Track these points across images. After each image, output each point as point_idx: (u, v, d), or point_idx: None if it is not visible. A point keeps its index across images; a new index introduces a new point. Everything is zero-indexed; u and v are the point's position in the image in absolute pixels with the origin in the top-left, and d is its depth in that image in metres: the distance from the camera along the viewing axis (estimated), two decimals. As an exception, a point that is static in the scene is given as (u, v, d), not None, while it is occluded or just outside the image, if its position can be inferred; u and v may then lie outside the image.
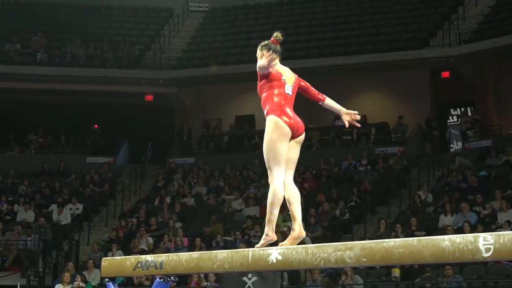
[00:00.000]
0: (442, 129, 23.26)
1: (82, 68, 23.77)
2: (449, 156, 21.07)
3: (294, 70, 5.85)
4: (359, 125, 6.03)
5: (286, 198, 5.65)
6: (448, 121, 24.17)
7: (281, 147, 5.54)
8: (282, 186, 5.57)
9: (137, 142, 24.07)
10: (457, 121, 23.57)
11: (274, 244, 5.59)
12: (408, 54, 22.00)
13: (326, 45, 23.62)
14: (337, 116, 25.55)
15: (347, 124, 5.98)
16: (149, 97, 24.56)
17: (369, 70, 22.82)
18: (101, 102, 24.48)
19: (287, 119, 5.59)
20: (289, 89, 5.72)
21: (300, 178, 20.11)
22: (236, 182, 20.70)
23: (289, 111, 5.63)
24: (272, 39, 5.78)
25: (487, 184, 17.77)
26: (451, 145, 23.25)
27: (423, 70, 23.03)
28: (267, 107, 5.63)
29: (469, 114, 23.30)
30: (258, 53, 5.80)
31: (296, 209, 5.65)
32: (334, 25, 24.81)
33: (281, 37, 5.78)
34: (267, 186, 20.58)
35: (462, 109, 24.03)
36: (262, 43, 5.82)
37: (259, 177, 20.68)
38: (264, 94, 5.70)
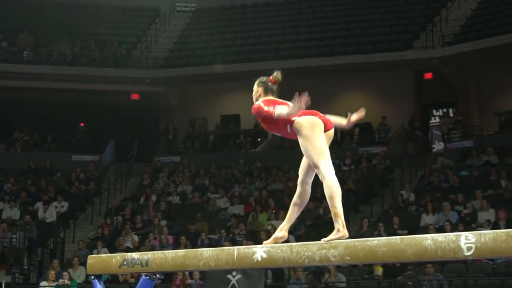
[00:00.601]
0: (425, 130, 23.36)
1: (69, 66, 23.69)
2: (431, 156, 21.16)
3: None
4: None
5: (297, 195, 5.49)
6: (431, 121, 24.28)
7: (319, 139, 5.24)
8: (335, 177, 5.18)
9: (123, 140, 23.99)
10: (439, 121, 23.68)
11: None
12: (392, 56, 22.08)
13: (311, 46, 23.65)
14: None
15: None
16: (135, 96, 24.51)
17: (353, 70, 22.89)
18: (88, 101, 24.39)
19: (315, 115, 5.33)
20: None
21: (284, 177, 20.15)
22: (221, 180, 20.69)
23: (310, 110, 5.34)
24: (271, 77, 5.64)
25: (468, 183, 17.85)
26: (433, 146, 23.37)
27: (406, 71, 23.12)
28: (288, 121, 5.32)
29: (451, 115, 23.43)
30: (255, 88, 5.67)
31: (296, 214, 5.55)
32: (320, 26, 24.85)
33: (280, 78, 5.62)
34: (251, 184, 20.55)
35: (445, 110, 24.15)
36: (260, 79, 5.67)
37: (244, 176, 20.69)
38: (278, 122, 5.38)
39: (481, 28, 21.86)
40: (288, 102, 5.34)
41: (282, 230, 5.54)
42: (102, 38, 25.34)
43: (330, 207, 5.20)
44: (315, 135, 5.26)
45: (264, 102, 5.50)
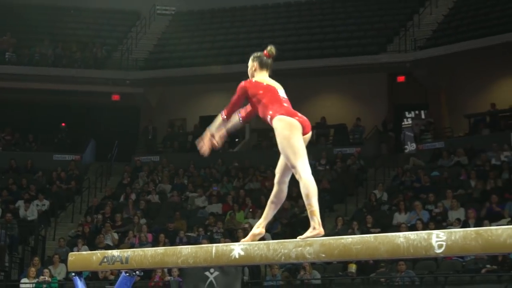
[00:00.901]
0: (398, 131, 23.48)
1: (51, 67, 23.53)
2: (404, 157, 21.26)
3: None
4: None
5: (273, 194, 5.47)
6: (403, 123, 24.41)
7: (297, 140, 5.21)
8: (311, 176, 5.18)
9: (104, 140, 23.88)
10: (411, 123, 23.81)
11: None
12: (366, 59, 22.17)
13: (288, 49, 23.65)
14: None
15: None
16: (116, 97, 24.40)
17: (329, 73, 22.95)
18: (69, 101, 24.24)
19: (295, 116, 5.31)
20: (283, 93, 5.47)
21: (261, 176, 20.16)
22: (199, 180, 20.66)
23: (294, 111, 5.36)
24: (265, 52, 5.61)
25: (439, 183, 17.96)
26: (405, 146, 23.49)
27: (380, 74, 23.23)
28: (270, 112, 5.35)
29: (423, 117, 23.57)
30: (250, 63, 5.64)
31: (273, 211, 5.52)
32: (296, 29, 24.90)
33: (274, 52, 5.59)
34: (229, 184, 20.51)
35: (417, 112, 24.28)
36: (255, 54, 5.65)
37: (222, 176, 20.68)
38: (260, 106, 5.42)
39: (452, 33, 22.02)
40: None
41: (259, 227, 5.52)
42: (83, 40, 25.19)
43: (306, 205, 5.21)
44: (293, 135, 5.24)
45: (249, 85, 5.50)
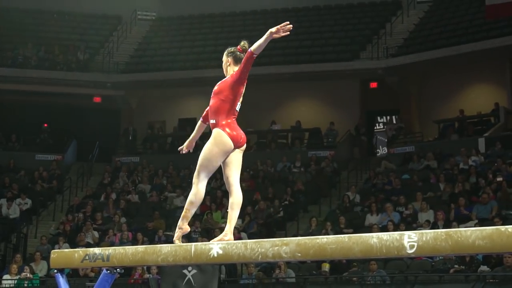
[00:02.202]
0: (370, 135, 23.59)
1: (34, 70, 23.35)
2: (376, 160, 21.35)
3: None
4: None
5: (230, 201, 5.59)
6: (375, 128, 24.52)
7: (217, 160, 5.55)
8: (204, 190, 5.60)
9: (85, 141, 23.75)
10: (383, 128, 23.93)
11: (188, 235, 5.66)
12: (340, 65, 22.28)
13: (264, 55, 23.57)
14: (274, 121, 25.66)
15: None
16: (97, 99, 24.30)
17: (304, 79, 23.01)
18: (51, 103, 24.09)
19: (232, 132, 5.51)
20: (238, 107, 5.64)
21: (238, 177, 20.14)
22: (178, 180, 20.60)
23: (235, 126, 5.56)
24: (238, 47, 5.71)
25: (409, 186, 18.05)
26: (377, 150, 23.58)
27: (353, 80, 23.32)
28: (217, 119, 5.53)
29: (394, 122, 23.70)
30: (224, 58, 5.73)
31: (235, 214, 5.58)
32: (273, 36, 24.87)
33: (247, 46, 5.66)
34: (207, 185, 20.47)
35: (388, 117, 24.41)
36: (229, 49, 5.75)
37: (200, 176, 20.61)
38: (218, 101, 5.54)
39: (423, 42, 22.19)
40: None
41: (227, 234, 5.54)
42: (66, 43, 25.04)
43: (185, 208, 5.60)
44: (218, 155, 5.52)
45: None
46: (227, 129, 5.51)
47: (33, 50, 24.25)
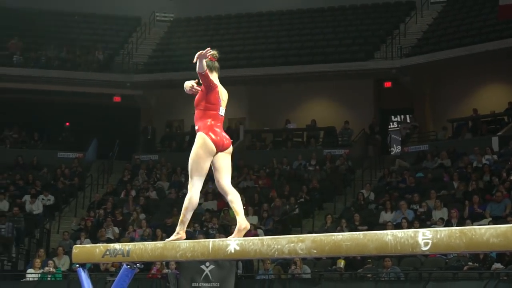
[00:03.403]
0: (384, 134, 23.50)
1: (56, 70, 23.47)
2: (390, 159, 21.27)
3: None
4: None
5: (228, 199, 5.74)
6: (389, 126, 24.43)
7: (204, 161, 5.68)
8: (198, 194, 5.73)
9: (105, 139, 23.83)
10: (397, 127, 23.84)
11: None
12: (355, 65, 22.19)
13: (280, 55, 23.69)
14: (288, 120, 25.64)
15: None
16: (117, 98, 24.38)
17: (319, 78, 22.94)
18: (73, 102, 24.21)
19: (214, 137, 5.69)
20: (222, 111, 5.83)
21: (254, 175, 20.16)
22: (196, 178, 20.59)
23: (218, 130, 5.74)
24: (209, 56, 5.85)
25: (423, 184, 17.96)
26: (391, 149, 23.51)
27: (367, 80, 23.25)
28: (200, 124, 5.74)
29: (408, 121, 23.60)
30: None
31: (238, 206, 5.69)
32: (289, 36, 24.90)
33: (217, 55, 5.92)
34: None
35: (402, 116, 24.31)
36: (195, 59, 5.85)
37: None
38: (199, 111, 5.78)
39: (436, 42, 22.06)
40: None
41: (241, 224, 5.61)
42: (87, 44, 25.16)
43: (181, 214, 5.74)
44: (204, 156, 5.66)
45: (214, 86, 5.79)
46: (210, 133, 5.69)
47: (56, 51, 24.38)
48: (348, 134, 22.26)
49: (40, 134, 23.54)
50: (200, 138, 5.70)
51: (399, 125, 23.52)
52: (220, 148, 5.72)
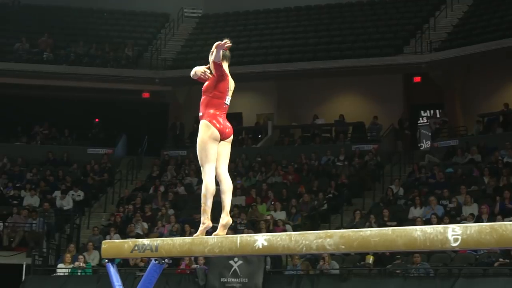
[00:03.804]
0: (413, 129, 23.32)
1: (85, 67, 23.67)
2: (419, 154, 21.12)
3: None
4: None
5: (221, 188, 5.82)
6: (419, 121, 24.25)
7: (212, 147, 5.76)
8: (214, 180, 5.76)
9: (134, 135, 24.00)
10: (427, 122, 23.64)
11: (209, 232, 5.78)
12: (384, 60, 22.04)
13: (309, 50, 23.62)
14: (316, 115, 25.55)
15: None
16: (146, 95, 24.51)
17: (347, 73, 22.82)
18: (102, 98, 24.39)
19: (217, 125, 5.80)
20: (228, 100, 5.96)
21: (283, 171, 20.13)
22: (224, 173, 20.61)
23: (220, 119, 5.85)
24: (226, 48, 5.90)
25: (453, 180, 17.81)
26: (421, 144, 23.33)
27: (396, 75, 23.09)
28: (204, 112, 5.84)
29: (438, 115, 23.39)
30: (210, 58, 6.00)
31: (227, 199, 5.80)
32: (317, 32, 24.81)
33: (230, 44, 5.96)
34: (253, 178, 20.53)
35: (432, 111, 24.11)
36: (212, 50, 5.95)
37: (246, 170, 20.67)
38: (206, 97, 5.88)
39: (466, 36, 21.82)
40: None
41: (224, 218, 5.75)
42: (116, 41, 25.32)
43: (201, 203, 5.75)
44: (209, 142, 5.76)
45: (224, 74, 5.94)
46: (213, 121, 5.79)
47: (85, 48, 24.58)
48: (377, 129, 22.13)
49: (70, 130, 23.76)
50: (205, 126, 5.80)
51: (429, 120, 23.32)
52: (223, 136, 5.83)
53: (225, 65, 5.99)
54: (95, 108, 24.26)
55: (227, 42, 5.71)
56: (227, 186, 5.82)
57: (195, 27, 27.03)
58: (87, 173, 21.39)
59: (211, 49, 6.07)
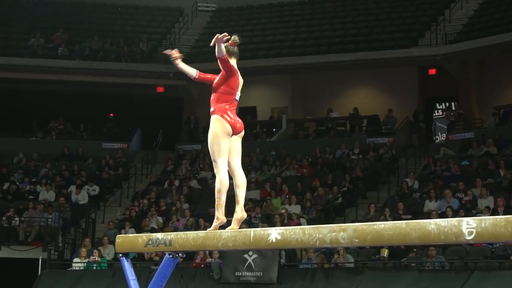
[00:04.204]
0: (428, 122, 23.20)
1: (100, 61, 23.74)
2: (434, 147, 21.02)
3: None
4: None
5: (234, 183, 5.82)
6: (434, 114, 24.12)
7: (224, 141, 5.77)
8: (227, 175, 5.76)
9: (149, 129, 24.05)
10: (442, 114, 23.52)
11: (223, 226, 5.80)
12: (398, 53, 21.92)
13: (323, 43, 23.55)
14: (330, 109, 25.47)
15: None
16: (160, 89, 24.54)
17: (362, 66, 22.74)
18: (117, 93, 24.47)
19: (228, 119, 5.82)
20: (238, 96, 5.97)
21: (297, 165, 20.11)
22: (239, 167, 20.62)
23: (231, 114, 5.87)
24: (230, 41, 5.91)
25: (468, 172, 17.71)
26: (436, 137, 23.21)
27: (411, 67, 22.96)
28: (215, 107, 5.85)
29: (453, 108, 23.26)
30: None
31: (241, 193, 5.80)
32: (331, 24, 24.73)
33: (238, 40, 5.99)
34: (268, 172, 20.49)
35: (447, 103, 23.97)
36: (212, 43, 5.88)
37: (261, 164, 20.66)
38: (216, 94, 5.89)
39: (482, 28, 21.65)
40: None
41: (238, 212, 5.77)
42: (130, 36, 25.37)
43: (216, 198, 5.75)
44: (221, 136, 5.76)
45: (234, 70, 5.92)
46: (225, 115, 5.81)
47: (99, 42, 24.65)
48: (392, 122, 22.04)
49: (85, 125, 23.85)
50: (216, 120, 5.80)
51: (444, 113, 23.19)
52: (234, 131, 5.84)
53: (234, 62, 5.96)
54: (109, 103, 24.33)
55: (225, 35, 5.67)
56: (241, 180, 5.82)
57: (209, 21, 27.02)
58: (102, 168, 21.46)
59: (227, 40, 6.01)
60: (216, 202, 5.77)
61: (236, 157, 5.87)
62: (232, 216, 5.82)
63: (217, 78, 5.94)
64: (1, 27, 25.11)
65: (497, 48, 20.78)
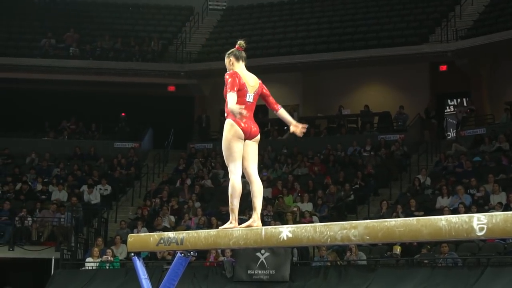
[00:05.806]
0: (440, 118, 23.13)
1: (111, 61, 23.81)
2: (446, 143, 20.96)
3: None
4: (302, 134, 6.08)
5: (251, 189, 5.74)
6: (445, 110, 24.04)
7: (236, 146, 5.69)
8: (240, 179, 5.67)
9: (161, 129, 24.09)
10: (454, 110, 23.43)
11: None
12: (409, 49, 21.86)
13: (333, 41, 23.51)
14: (342, 106, 25.40)
15: (297, 132, 6.04)
16: (171, 88, 24.60)
17: (373, 63, 22.70)
18: (128, 92, 24.53)
19: (241, 124, 5.72)
20: (250, 97, 5.85)
21: (309, 162, 20.10)
22: (250, 165, 20.62)
23: (244, 118, 5.73)
24: (237, 46, 5.90)
25: (481, 168, 17.65)
26: (447, 133, 23.13)
27: (422, 64, 22.90)
28: (228, 112, 5.74)
29: (465, 104, 23.17)
30: (226, 60, 5.92)
31: (258, 201, 5.73)
32: (341, 22, 24.68)
33: (244, 44, 5.95)
34: (279, 170, 20.49)
35: (458, 99, 23.89)
36: (228, 52, 5.91)
37: (272, 162, 20.67)
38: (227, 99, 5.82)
39: (493, 23, 21.56)
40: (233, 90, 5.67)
41: (255, 221, 5.68)
42: (141, 35, 25.43)
43: (229, 202, 5.68)
44: (234, 141, 5.68)
45: (230, 75, 5.79)
46: (237, 120, 5.69)
47: (110, 42, 24.72)
48: (403, 119, 21.99)
49: (97, 124, 23.92)
50: (228, 125, 5.73)
51: (456, 109, 23.11)
52: (247, 135, 5.75)
53: (242, 65, 5.93)
54: (121, 102, 24.39)
55: (242, 114, 5.57)
56: (258, 188, 5.74)
57: (219, 20, 27.04)
58: (114, 167, 21.53)
59: (236, 42, 6.03)
60: (229, 207, 5.71)
61: (252, 163, 5.80)
62: (245, 214, 5.81)
63: (226, 86, 5.86)
64: (12, 28, 25.25)
65: (508, 43, 20.68)
